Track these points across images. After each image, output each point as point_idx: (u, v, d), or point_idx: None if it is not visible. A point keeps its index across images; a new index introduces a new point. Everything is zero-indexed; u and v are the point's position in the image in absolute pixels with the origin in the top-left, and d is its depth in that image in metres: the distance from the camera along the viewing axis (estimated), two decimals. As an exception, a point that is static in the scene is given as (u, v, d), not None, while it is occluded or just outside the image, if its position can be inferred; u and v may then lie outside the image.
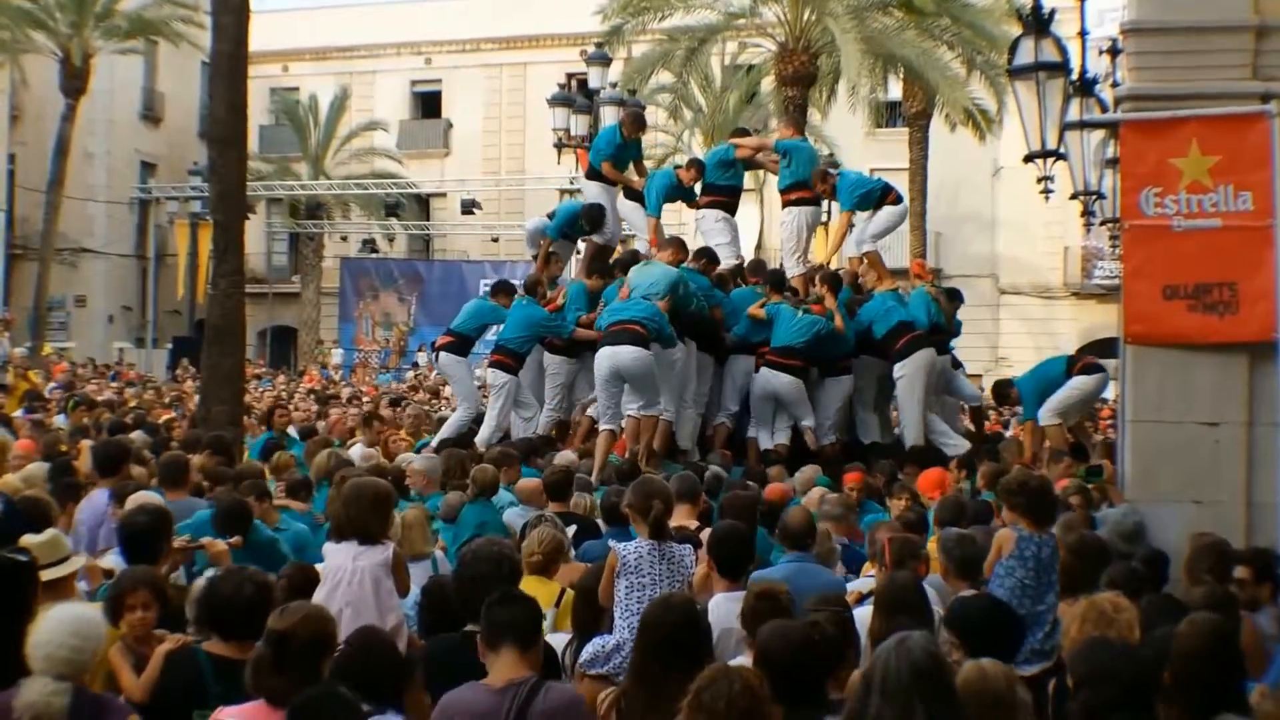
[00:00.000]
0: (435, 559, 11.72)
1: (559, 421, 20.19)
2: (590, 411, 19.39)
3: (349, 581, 9.14)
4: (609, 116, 32.53)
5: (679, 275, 18.51)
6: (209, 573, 9.46)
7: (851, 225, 21.87)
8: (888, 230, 21.34)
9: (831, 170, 22.31)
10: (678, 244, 19.83)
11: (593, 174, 22.62)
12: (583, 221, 21.91)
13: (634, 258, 20.42)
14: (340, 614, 8.98)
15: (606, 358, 17.54)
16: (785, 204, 22.26)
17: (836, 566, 11.56)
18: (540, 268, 21.77)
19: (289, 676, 6.58)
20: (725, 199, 22.26)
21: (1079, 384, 18.92)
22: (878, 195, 21.09)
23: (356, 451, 17.89)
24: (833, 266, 22.99)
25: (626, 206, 22.62)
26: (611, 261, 21.40)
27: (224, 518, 11.28)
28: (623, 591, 9.24)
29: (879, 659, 5.91)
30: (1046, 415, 18.58)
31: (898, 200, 21.13)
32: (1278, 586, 10.26)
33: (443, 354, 20.94)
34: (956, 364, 22.33)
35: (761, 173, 24.55)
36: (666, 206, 22.43)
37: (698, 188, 22.22)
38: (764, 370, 19.22)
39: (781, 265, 22.78)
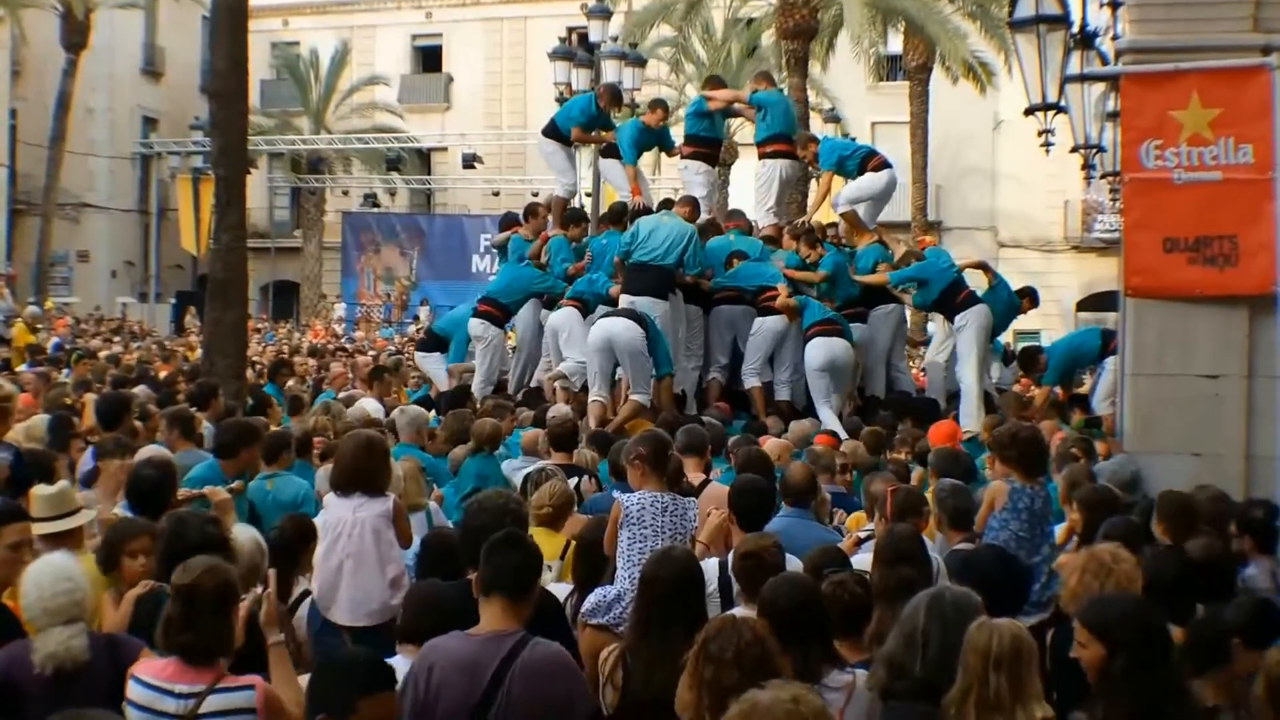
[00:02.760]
0: (430, 510, 11.76)
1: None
2: (559, 383, 19.35)
3: (349, 534, 9.18)
4: (610, 70, 32.52)
5: (692, 235, 18.62)
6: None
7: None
8: (868, 196, 21.15)
9: (815, 137, 22.42)
10: (694, 202, 19.86)
11: (552, 132, 22.64)
12: (600, 104, 22.29)
13: (623, 209, 20.51)
14: (341, 566, 9.05)
15: (601, 329, 17.52)
16: (761, 156, 22.25)
17: (826, 517, 11.64)
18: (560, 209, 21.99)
19: (199, 630, 6.54)
20: (706, 150, 22.31)
21: (1116, 366, 19.16)
22: (857, 161, 21.08)
23: (368, 406, 17.80)
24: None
25: (607, 164, 22.71)
26: (602, 215, 21.55)
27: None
28: (625, 542, 9.28)
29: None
30: (1102, 405, 18.71)
31: (880, 166, 21.02)
32: (1273, 539, 10.31)
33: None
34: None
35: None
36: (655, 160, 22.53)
37: (677, 135, 22.26)
38: (819, 339, 18.80)
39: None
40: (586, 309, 19.18)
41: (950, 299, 19.28)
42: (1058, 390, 20.29)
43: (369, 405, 17.69)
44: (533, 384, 20.48)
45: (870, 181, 20.92)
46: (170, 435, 13.32)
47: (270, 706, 6.59)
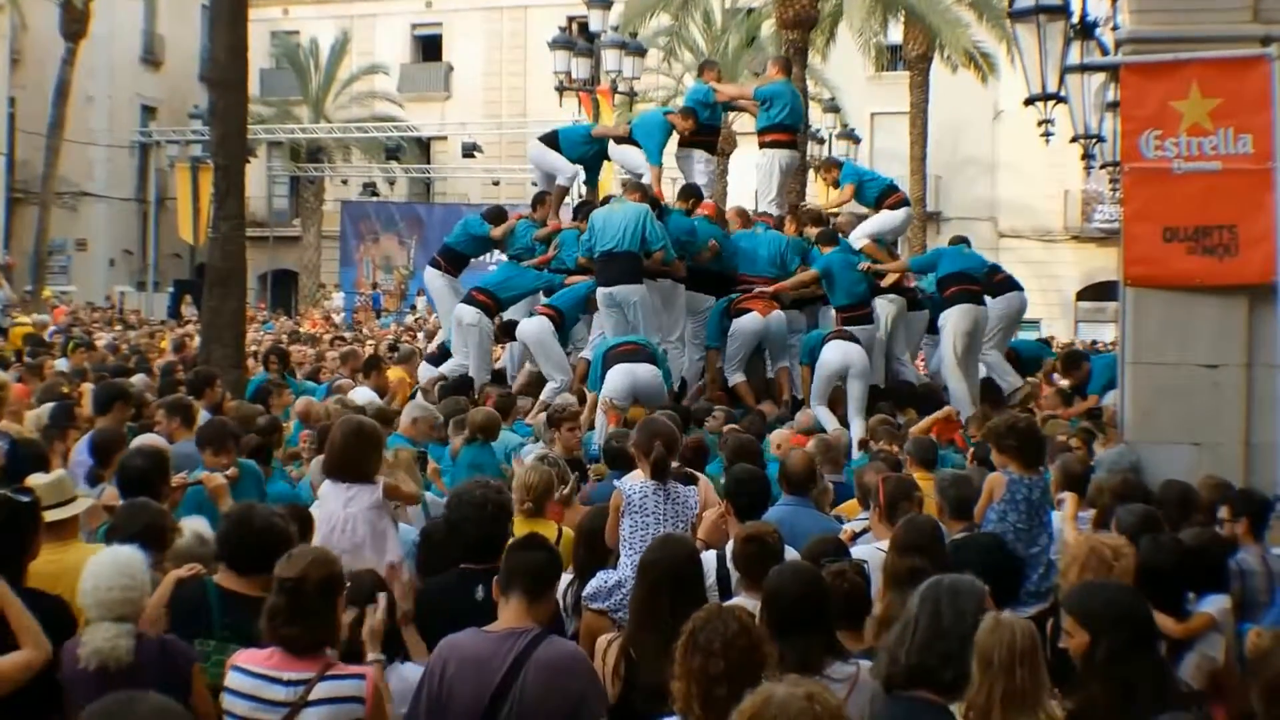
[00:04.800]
0: (425, 501, 11.74)
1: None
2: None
3: (342, 529, 9.10)
4: (609, 60, 32.60)
5: (642, 215, 18.68)
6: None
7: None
8: (885, 231, 21.14)
9: (838, 162, 22.51)
10: (643, 189, 19.92)
11: (551, 141, 22.74)
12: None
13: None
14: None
15: (627, 376, 17.23)
16: (761, 146, 22.32)
17: (828, 506, 11.65)
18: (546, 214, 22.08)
19: (305, 622, 6.54)
20: (707, 138, 22.54)
21: None
22: (876, 191, 21.04)
23: (362, 395, 17.75)
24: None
25: (620, 152, 22.73)
26: (575, 207, 21.74)
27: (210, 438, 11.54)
28: (627, 530, 9.31)
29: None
30: (1110, 398, 18.78)
31: (897, 205, 20.97)
32: (1263, 526, 10.34)
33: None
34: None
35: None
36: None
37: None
38: (835, 342, 18.59)
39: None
40: (561, 319, 19.25)
41: (942, 288, 19.29)
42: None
43: (363, 394, 17.66)
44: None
45: (888, 219, 20.86)
46: (170, 424, 13.32)
47: (377, 698, 6.61)
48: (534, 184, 24.33)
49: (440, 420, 14.89)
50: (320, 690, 6.47)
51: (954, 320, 18.94)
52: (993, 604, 6.30)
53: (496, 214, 22.71)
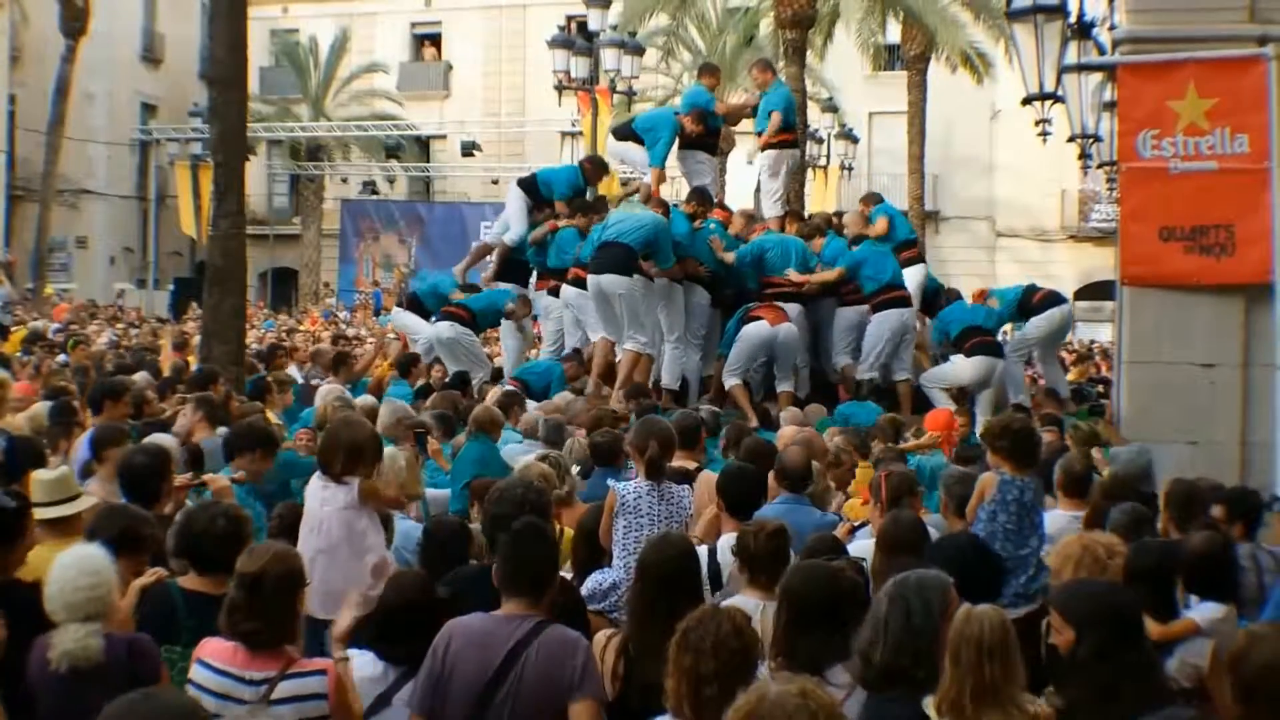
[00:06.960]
0: (425, 500, 11.77)
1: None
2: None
3: (317, 529, 9.09)
4: (608, 59, 32.65)
5: (658, 225, 18.73)
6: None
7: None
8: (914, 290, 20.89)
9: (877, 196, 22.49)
10: (665, 204, 19.97)
11: (529, 187, 22.26)
12: (586, 176, 22.45)
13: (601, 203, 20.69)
14: (314, 560, 8.88)
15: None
16: (764, 147, 22.35)
17: (830, 505, 11.66)
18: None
19: (265, 617, 6.58)
20: (709, 139, 22.42)
21: None
22: (902, 238, 21.01)
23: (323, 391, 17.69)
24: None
25: (620, 148, 22.69)
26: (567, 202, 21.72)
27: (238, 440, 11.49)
28: (620, 531, 9.31)
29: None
30: None
31: (913, 260, 20.97)
32: (1254, 525, 10.35)
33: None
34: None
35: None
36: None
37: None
38: (886, 312, 18.95)
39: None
40: (473, 319, 19.94)
41: (961, 343, 19.27)
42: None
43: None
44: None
45: (914, 278, 20.60)
46: (194, 418, 13.32)
47: (340, 692, 6.66)
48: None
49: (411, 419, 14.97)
50: (283, 689, 6.54)
51: (972, 369, 18.89)
52: (957, 597, 6.31)
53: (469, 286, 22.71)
